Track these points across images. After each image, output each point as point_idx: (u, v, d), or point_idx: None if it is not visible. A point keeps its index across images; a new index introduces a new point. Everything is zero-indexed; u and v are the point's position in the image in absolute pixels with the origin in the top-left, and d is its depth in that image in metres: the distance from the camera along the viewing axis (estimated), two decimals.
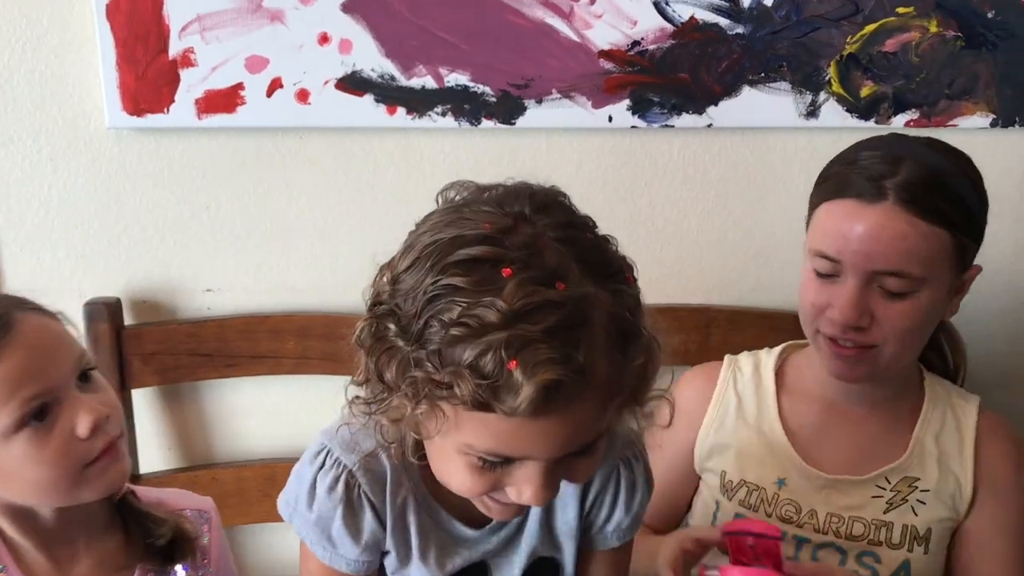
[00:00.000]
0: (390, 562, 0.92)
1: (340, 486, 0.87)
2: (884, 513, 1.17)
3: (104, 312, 1.30)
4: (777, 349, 1.25)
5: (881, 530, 1.17)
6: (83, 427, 0.87)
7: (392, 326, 0.77)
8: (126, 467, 0.92)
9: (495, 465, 0.78)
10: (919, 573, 1.17)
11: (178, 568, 0.97)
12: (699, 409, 1.24)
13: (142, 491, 1.01)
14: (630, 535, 0.97)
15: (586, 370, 0.73)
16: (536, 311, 0.72)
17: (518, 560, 0.93)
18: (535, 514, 0.93)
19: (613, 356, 0.75)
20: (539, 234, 0.76)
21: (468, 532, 0.92)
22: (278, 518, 0.93)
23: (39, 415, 0.86)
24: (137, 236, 1.33)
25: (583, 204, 1.35)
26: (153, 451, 1.40)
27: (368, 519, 0.89)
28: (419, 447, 0.85)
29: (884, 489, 1.18)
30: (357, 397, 0.82)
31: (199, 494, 1.35)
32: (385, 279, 0.81)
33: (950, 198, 1.09)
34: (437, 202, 0.84)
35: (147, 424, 1.39)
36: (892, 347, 1.10)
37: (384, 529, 0.89)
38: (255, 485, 1.38)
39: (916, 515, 1.17)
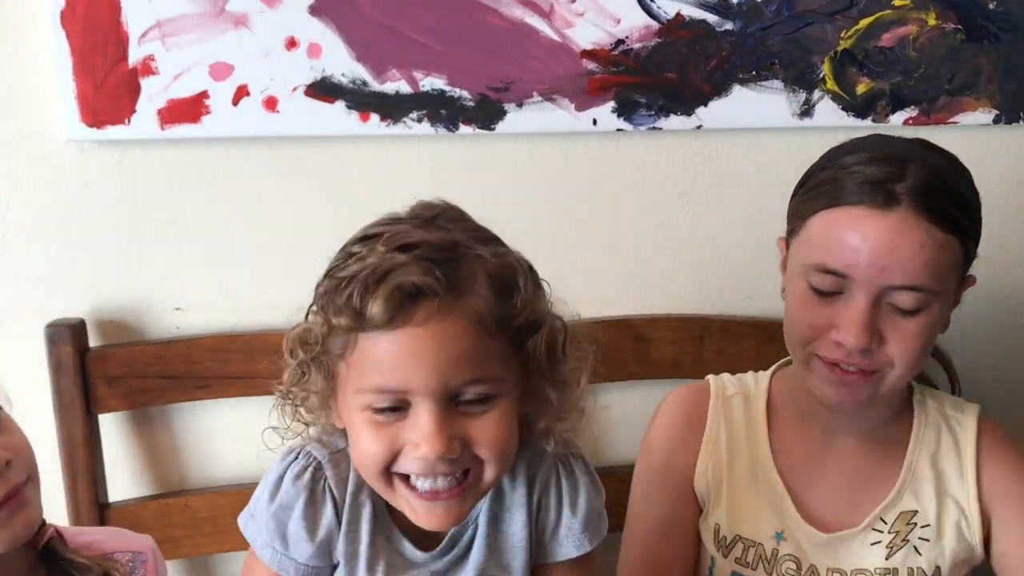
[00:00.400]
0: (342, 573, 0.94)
1: (307, 475, 0.92)
2: (887, 559, 1.09)
3: (67, 334, 1.24)
4: (765, 378, 1.16)
5: None
6: None
7: (305, 321, 0.88)
8: (32, 516, 0.87)
9: (390, 417, 0.83)
10: None
11: None
12: (694, 435, 1.14)
13: (72, 533, 0.95)
14: (586, 543, 0.96)
15: (448, 286, 0.79)
16: (410, 246, 0.80)
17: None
18: (482, 530, 0.93)
19: (489, 295, 0.82)
20: (436, 219, 0.86)
21: (417, 554, 0.93)
22: None
23: None
24: (101, 254, 1.27)
25: (568, 212, 1.32)
26: (123, 478, 1.34)
27: (328, 514, 0.92)
28: None
29: (882, 532, 1.09)
30: (279, 388, 0.91)
31: (172, 522, 1.32)
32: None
33: (958, 202, 1.01)
34: None
35: (116, 450, 1.33)
36: (899, 370, 1.01)
37: (340, 529, 0.92)
38: (230, 512, 1.30)
39: (920, 555, 1.09)
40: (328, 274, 0.86)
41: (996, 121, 1.31)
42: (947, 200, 0.99)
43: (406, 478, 0.85)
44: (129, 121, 1.20)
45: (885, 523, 1.09)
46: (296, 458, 0.93)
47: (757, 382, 1.16)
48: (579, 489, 0.95)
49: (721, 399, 1.15)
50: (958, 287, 1.04)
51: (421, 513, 0.86)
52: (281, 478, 0.93)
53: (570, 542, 0.96)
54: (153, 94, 1.20)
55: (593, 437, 1.40)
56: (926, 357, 1.05)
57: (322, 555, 0.93)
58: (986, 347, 1.43)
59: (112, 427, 1.32)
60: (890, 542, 1.09)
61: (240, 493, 1.32)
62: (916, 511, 1.09)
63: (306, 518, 0.92)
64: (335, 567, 0.95)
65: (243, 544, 1.31)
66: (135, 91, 1.19)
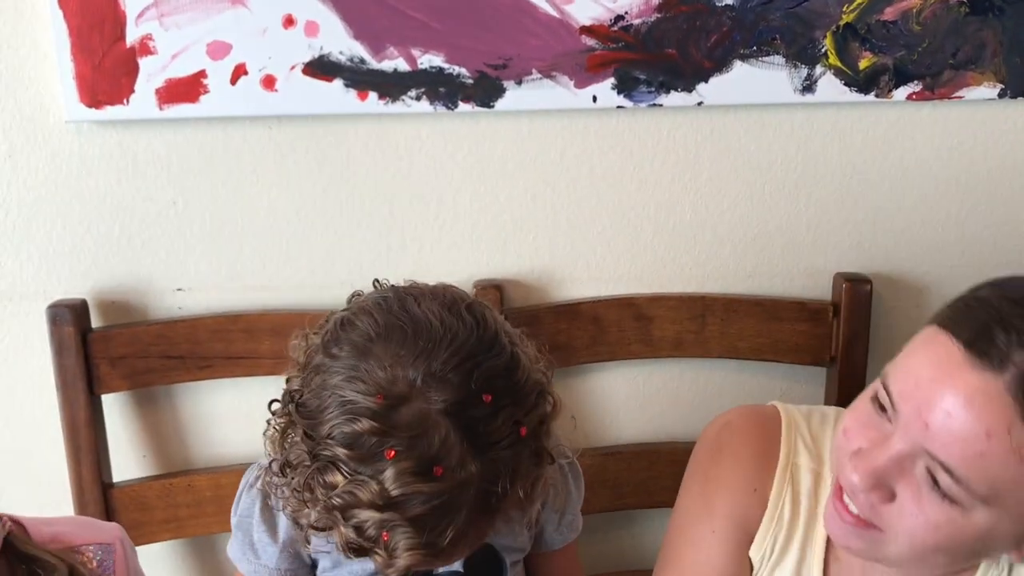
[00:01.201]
0: (325, 562, 0.98)
1: (260, 482, 0.96)
2: None
3: (68, 315, 1.24)
4: None
5: None
6: None
7: (298, 430, 0.84)
8: None
9: None
10: None
11: None
12: (764, 487, 0.97)
13: (36, 524, 0.91)
14: (576, 531, 1.08)
15: (449, 548, 0.81)
16: (408, 501, 0.78)
17: None
18: None
19: (480, 523, 0.83)
20: (428, 412, 0.79)
21: None
22: None
23: None
24: (102, 235, 1.28)
25: (568, 190, 1.31)
26: (127, 459, 1.34)
27: (283, 516, 0.94)
28: None
29: None
30: (272, 464, 0.90)
31: (176, 502, 1.32)
32: (302, 359, 0.88)
33: None
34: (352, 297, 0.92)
35: (119, 431, 1.33)
36: (903, 551, 0.82)
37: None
38: (234, 491, 1.29)
39: None
40: (316, 457, 0.82)
41: (1001, 96, 1.28)
42: None
43: None
44: (128, 101, 1.20)
45: None
46: (255, 470, 1.00)
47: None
48: (580, 488, 1.07)
49: (791, 461, 0.98)
50: None
51: None
52: (241, 491, 1.00)
53: (568, 530, 1.07)
54: (151, 74, 1.19)
55: (596, 418, 1.40)
56: (950, 560, 0.83)
57: (291, 556, 0.96)
58: None
59: (115, 407, 1.33)
60: None
61: (243, 473, 1.32)
62: None
63: (265, 521, 0.97)
64: (314, 566, 0.98)
65: None
66: (133, 71, 1.19)
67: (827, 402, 1.35)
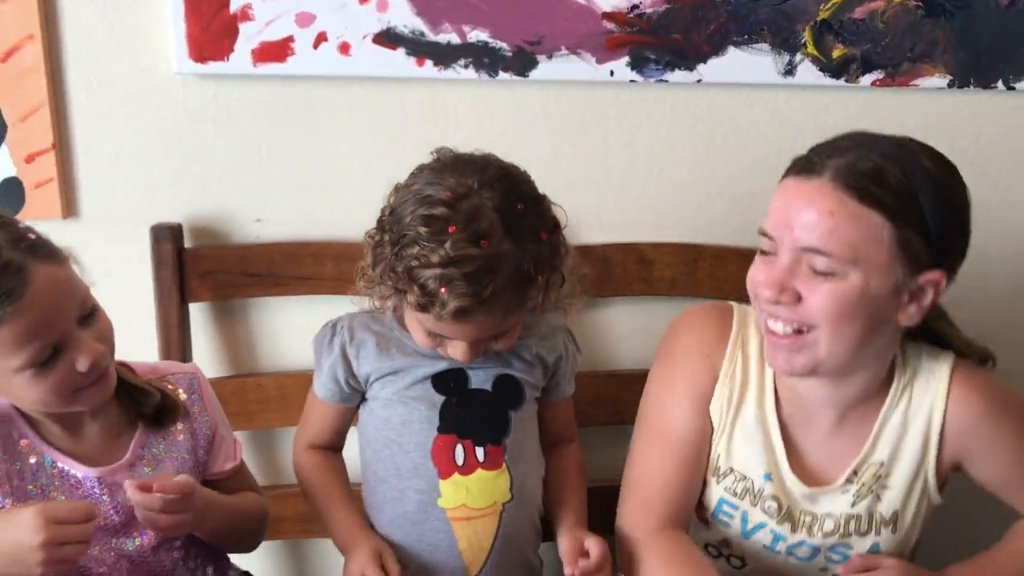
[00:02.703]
0: (381, 381, 1.28)
1: (327, 332, 1.31)
2: (852, 506, 1.19)
3: (168, 235, 1.47)
4: None
5: (851, 522, 1.20)
6: (83, 365, 1.02)
7: (386, 237, 1.18)
8: (111, 386, 1.08)
9: (437, 334, 1.20)
10: (887, 550, 1.21)
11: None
12: (718, 356, 1.20)
13: (136, 364, 1.21)
14: (574, 386, 1.37)
15: (489, 301, 1.13)
16: (463, 260, 1.11)
17: (492, 371, 1.27)
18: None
19: (511, 293, 1.15)
20: (481, 204, 1.13)
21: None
22: None
23: (45, 359, 1.00)
24: (198, 171, 1.50)
25: (586, 149, 1.57)
26: (206, 359, 1.56)
27: (335, 352, 1.29)
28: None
29: (852, 483, 1.19)
30: (365, 274, 1.23)
31: (247, 398, 1.54)
32: (391, 200, 1.20)
33: (895, 187, 1.03)
34: (432, 155, 1.23)
35: (202, 335, 1.56)
36: (826, 334, 1.07)
37: (357, 358, 1.28)
38: (294, 392, 1.53)
39: (880, 501, 1.19)
40: (402, 235, 1.15)
41: (950, 85, 1.51)
42: (876, 179, 1.03)
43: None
44: (228, 59, 1.43)
45: (857, 475, 1.19)
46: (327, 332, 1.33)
47: None
48: (577, 347, 1.35)
49: (741, 335, 1.21)
50: (906, 274, 1.05)
51: (450, 355, 1.25)
52: (322, 346, 1.32)
53: (571, 384, 1.37)
54: (249, 36, 1.42)
55: (601, 345, 1.62)
56: (858, 330, 1.07)
57: (338, 385, 1.30)
58: None
59: (200, 315, 1.55)
60: (857, 491, 1.19)
61: (303, 376, 1.52)
62: (883, 463, 1.19)
63: (323, 355, 1.31)
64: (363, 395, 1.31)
65: None
66: (234, 33, 1.42)
67: None
